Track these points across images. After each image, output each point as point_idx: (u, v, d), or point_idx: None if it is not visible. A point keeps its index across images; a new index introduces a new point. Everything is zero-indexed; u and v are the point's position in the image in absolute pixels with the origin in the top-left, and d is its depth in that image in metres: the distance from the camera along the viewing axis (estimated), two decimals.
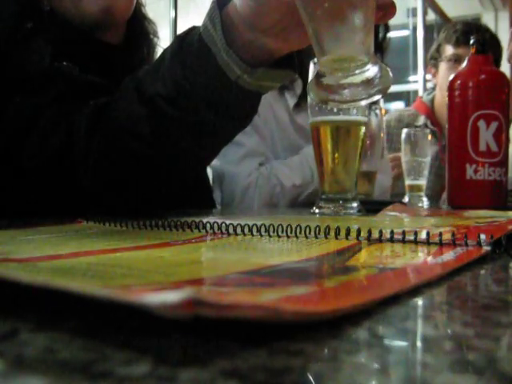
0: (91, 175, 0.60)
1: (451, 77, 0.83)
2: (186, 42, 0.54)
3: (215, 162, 1.04)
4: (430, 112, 1.60)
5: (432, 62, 1.62)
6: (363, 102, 0.44)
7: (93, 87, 0.66)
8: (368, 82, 0.42)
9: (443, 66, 1.57)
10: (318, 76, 0.44)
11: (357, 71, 0.42)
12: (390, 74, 0.43)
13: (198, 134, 0.58)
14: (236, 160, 1.03)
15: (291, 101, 1.12)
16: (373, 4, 0.42)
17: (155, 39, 0.88)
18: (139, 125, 0.57)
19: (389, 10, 0.45)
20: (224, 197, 1.06)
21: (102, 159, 0.60)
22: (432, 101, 1.62)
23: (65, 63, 0.66)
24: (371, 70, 0.42)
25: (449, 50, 1.56)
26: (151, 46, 0.86)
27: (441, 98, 1.60)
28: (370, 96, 0.42)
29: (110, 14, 0.73)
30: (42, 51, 0.65)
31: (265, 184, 1.02)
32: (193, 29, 0.55)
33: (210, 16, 0.52)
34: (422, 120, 1.59)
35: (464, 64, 0.83)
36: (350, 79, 0.42)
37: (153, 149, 0.58)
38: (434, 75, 1.61)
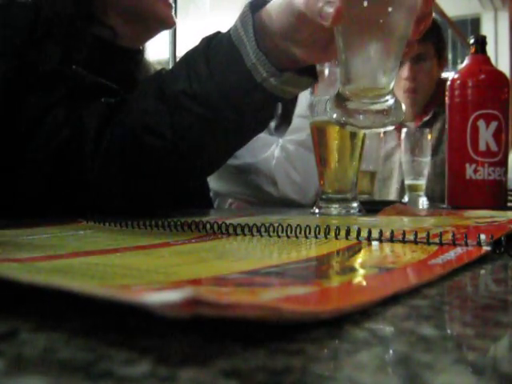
0: (99, 172, 0.60)
1: (452, 75, 0.83)
2: (214, 42, 0.55)
3: (233, 161, 1.05)
4: None
5: None
6: (377, 130, 0.47)
7: (101, 89, 0.66)
8: (384, 112, 0.44)
9: None
10: (339, 96, 0.46)
11: (377, 100, 0.44)
12: (404, 107, 0.46)
13: (218, 134, 0.58)
14: (256, 151, 1.05)
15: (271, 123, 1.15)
16: (405, 42, 0.45)
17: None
18: (160, 121, 0.57)
19: (412, 47, 0.48)
20: (251, 188, 1.08)
21: (114, 156, 0.60)
22: None
23: (74, 67, 0.66)
24: (389, 102, 0.45)
25: None
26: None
27: None
28: (385, 125, 0.45)
29: (164, 25, 0.78)
30: (52, 53, 0.66)
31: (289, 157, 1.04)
32: (219, 33, 0.56)
33: (242, 19, 0.52)
34: None
35: (464, 63, 0.83)
36: (369, 107, 0.44)
37: (172, 146, 0.58)
38: None
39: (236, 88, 0.54)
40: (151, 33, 0.80)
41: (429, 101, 1.49)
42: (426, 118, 1.50)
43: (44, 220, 0.50)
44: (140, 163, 0.60)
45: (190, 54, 0.58)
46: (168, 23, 0.77)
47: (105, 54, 0.73)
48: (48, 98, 0.63)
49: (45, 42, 0.66)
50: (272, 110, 0.59)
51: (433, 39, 1.48)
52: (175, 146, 0.58)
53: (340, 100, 0.45)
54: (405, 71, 1.47)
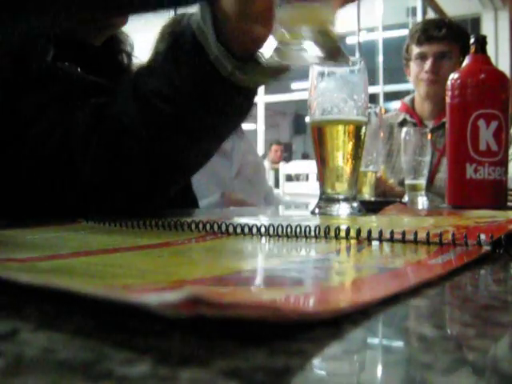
0: (90, 173, 0.60)
1: (452, 75, 0.83)
2: (179, 38, 0.55)
3: None
4: (410, 109, 1.69)
5: (404, 62, 1.68)
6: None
7: (94, 87, 0.66)
8: (327, 56, 0.45)
9: (412, 65, 1.65)
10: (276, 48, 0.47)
11: (320, 39, 0.45)
12: (348, 58, 0.47)
13: (193, 133, 0.58)
14: None
15: None
16: None
17: (129, 48, 0.88)
18: (134, 122, 0.57)
19: None
20: None
21: (101, 157, 0.60)
22: (412, 100, 1.71)
23: (66, 64, 0.66)
24: (330, 48, 0.45)
25: (414, 49, 1.63)
26: (127, 54, 0.87)
27: (418, 97, 1.68)
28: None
29: (109, 30, 0.77)
30: (44, 51, 0.66)
31: None
32: (187, 25, 0.56)
33: (202, 10, 0.53)
34: (402, 117, 1.68)
35: (465, 63, 0.83)
36: (304, 53, 0.45)
37: (147, 147, 0.57)
38: (409, 74, 1.67)
39: (203, 84, 0.54)
40: (102, 30, 0.78)
41: None
42: (444, 119, 1.52)
43: (44, 220, 0.50)
44: (124, 165, 0.60)
45: (158, 51, 0.57)
46: (108, 24, 0.75)
47: (68, 49, 0.73)
48: (42, 97, 0.62)
49: (38, 41, 0.66)
50: (247, 104, 0.58)
51: (460, 42, 1.54)
52: (151, 147, 0.57)
53: (277, 49, 0.46)
54: (427, 64, 1.55)
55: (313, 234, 0.37)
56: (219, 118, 0.57)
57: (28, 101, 0.62)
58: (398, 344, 0.15)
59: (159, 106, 0.55)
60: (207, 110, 0.55)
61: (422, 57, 1.58)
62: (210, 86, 0.54)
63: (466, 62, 0.83)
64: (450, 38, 1.54)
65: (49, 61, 0.65)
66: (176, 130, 0.57)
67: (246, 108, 0.59)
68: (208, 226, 0.40)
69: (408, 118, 1.65)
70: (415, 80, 1.63)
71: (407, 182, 1.16)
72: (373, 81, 4.34)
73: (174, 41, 0.55)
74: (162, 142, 0.58)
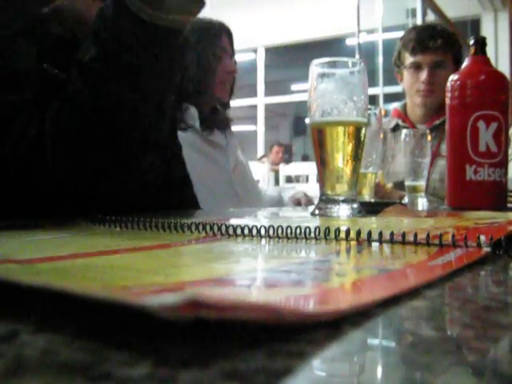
0: (61, 170, 0.61)
1: (452, 76, 0.83)
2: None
3: None
4: (402, 114, 1.68)
5: (396, 68, 1.67)
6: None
7: None
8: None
9: (405, 73, 1.63)
10: None
11: None
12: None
13: (135, 85, 0.61)
14: None
15: (196, 124, 1.24)
16: None
17: None
18: (83, 95, 0.60)
19: None
20: None
21: (71, 151, 0.61)
22: (404, 106, 1.70)
23: (45, 65, 0.67)
24: None
25: (408, 58, 1.60)
26: None
27: (410, 103, 1.67)
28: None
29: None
30: (27, 51, 0.67)
31: None
32: None
33: None
34: (394, 122, 1.67)
35: (464, 64, 0.83)
36: None
37: (97, 113, 0.60)
38: (401, 80, 1.66)
39: (126, 32, 0.59)
40: None
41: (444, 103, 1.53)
42: (437, 122, 1.53)
43: (43, 221, 0.50)
44: (82, 140, 0.61)
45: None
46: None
47: (68, 52, 0.74)
48: (22, 97, 0.63)
49: (19, 41, 0.67)
50: (173, 41, 0.62)
51: (453, 50, 1.55)
52: (102, 111, 0.60)
53: None
54: (423, 75, 1.54)
55: (313, 235, 0.37)
56: (148, 60, 0.61)
57: (10, 99, 0.63)
58: (398, 345, 0.15)
59: (92, 66, 0.60)
60: (135, 54, 0.60)
61: (417, 66, 1.57)
62: (133, 31, 0.59)
63: (466, 63, 0.83)
64: (444, 47, 1.54)
65: (30, 62, 0.66)
66: (116, 86, 0.60)
67: (172, 50, 0.63)
68: (208, 228, 0.40)
69: (400, 122, 1.65)
70: (409, 89, 1.62)
71: (407, 183, 1.16)
72: (372, 82, 4.33)
73: (101, 7, 0.61)
74: (100, 97, 0.60)
